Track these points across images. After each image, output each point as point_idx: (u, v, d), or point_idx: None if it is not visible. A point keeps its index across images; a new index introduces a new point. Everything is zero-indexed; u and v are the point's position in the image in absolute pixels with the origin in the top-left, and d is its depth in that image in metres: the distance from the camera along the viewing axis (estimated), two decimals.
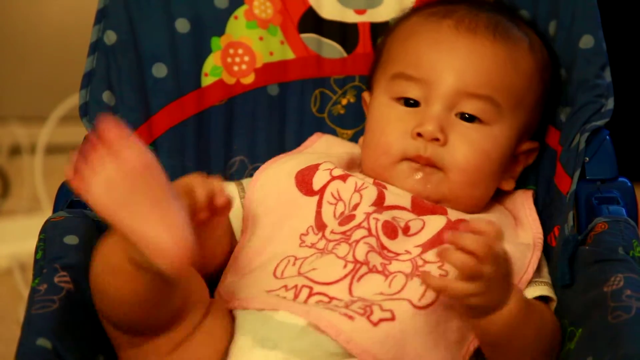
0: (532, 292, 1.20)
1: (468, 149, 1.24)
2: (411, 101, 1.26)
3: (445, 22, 1.26)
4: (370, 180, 1.25)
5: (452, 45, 1.25)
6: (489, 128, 1.25)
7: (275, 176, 1.28)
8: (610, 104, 1.27)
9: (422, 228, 1.21)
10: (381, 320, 1.12)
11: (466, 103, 1.24)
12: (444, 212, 1.23)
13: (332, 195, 1.24)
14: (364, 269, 1.16)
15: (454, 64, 1.24)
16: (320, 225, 1.23)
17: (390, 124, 1.26)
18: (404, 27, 1.31)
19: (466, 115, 1.25)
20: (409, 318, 1.13)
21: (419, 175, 1.24)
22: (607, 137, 1.26)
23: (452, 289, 1.05)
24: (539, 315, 1.14)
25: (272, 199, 1.26)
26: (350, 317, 1.11)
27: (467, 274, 1.04)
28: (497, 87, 1.25)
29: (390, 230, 1.20)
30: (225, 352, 1.12)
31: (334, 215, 1.23)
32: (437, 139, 1.23)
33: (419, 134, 1.23)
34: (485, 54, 1.25)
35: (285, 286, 1.16)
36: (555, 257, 1.22)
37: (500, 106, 1.25)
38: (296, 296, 1.15)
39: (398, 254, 1.19)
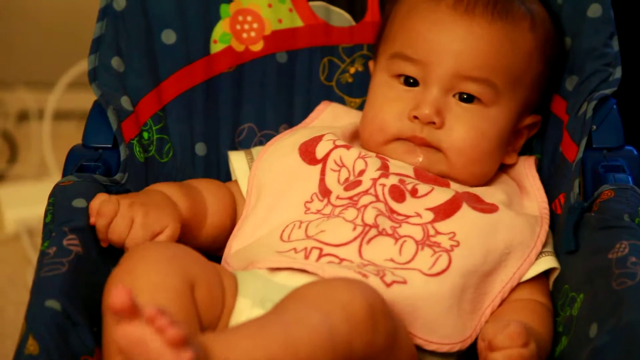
0: (538, 267, 1.21)
1: (465, 131, 1.24)
2: (411, 80, 1.26)
3: (444, 1, 1.26)
4: (373, 154, 1.26)
5: (450, 26, 1.25)
6: (487, 109, 1.25)
7: (280, 149, 1.29)
8: (617, 72, 1.27)
9: (431, 191, 1.22)
10: (394, 282, 1.13)
11: (463, 85, 1.25)
12: (447, 185, 1.24)
13: (335, 162, 1.25)
14: (373, 231, 1.17)
15: (451, 46, 1.24)
16: (325, 192, 1.23)
17: (388, 102, 1.27)
18: (406, 1, 1.30)
19: (464, 96, 1.25)
20: (421, 284, 1.14)
21: (417, 154, 1.25)
22: (615, 106, 1.26)
23: None
24: (546, 342, 1.16)
25: (275, 170, 1.27)
26: (365, 275, 1.12)
27: None
28: (495, 68, 1.25)
29: (398, 193, 1.21)
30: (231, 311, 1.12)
31: (338, 181, 1.24)
32: (434, 122, 1.23)
33: (416, 117, 1.23)
34: (483, 36, 1.24)
35: (295, 249, 1.17)
36: (561, 224, 1.23)
37: (497, 87, 1.25)
38: (307, 257, 1.16)
39: (408, 217, 1.20)
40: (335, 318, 0.98)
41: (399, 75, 1.27)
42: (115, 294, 0.89)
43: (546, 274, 1.22)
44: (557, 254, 1.22)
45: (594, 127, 1.25)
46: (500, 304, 1.19)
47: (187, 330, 0.91)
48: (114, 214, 1.14)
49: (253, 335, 0.96)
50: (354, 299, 1.00)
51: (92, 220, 1.14)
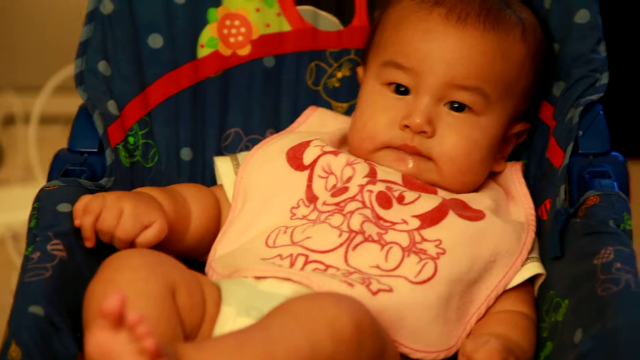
0: (523, 274, 1.21)
1: (457, 139, 1.25)
2: (402, 88, 1.26)
3: (436, 10, 1.26)
4: (361, 160, 1.26)
5: (442, 36, 1.25)
6: (478, 118, 1.26)
7: (267, 154, 1.29)
8: (604, 78, 1.28)
9: (418, 198, 1.22)
10: (380, 290, 1.13)
11: (455, 94, 1.25)
12: (434, 192, 1.24)
13: (323, 169, 1.25)
14: (359, 237, 1.18)
15: (443, 55, 1.25)
16: (311, 198, 1.24)
17: (378, 110, 1.27)
18: (396, 9, 1.31)
19: (455, 105, 1.25)
20: (407, 292, 1.14)
21: (407, 162, 1.25)
22: (601, 112, 1.27)
23: None
24: (528, 356, 1.17)
25: (262, 175, 1.27)
26: (350, 284, 1.12)
27: None
28: (486, 78, 1.25)
29: (385, 200, 1.21)
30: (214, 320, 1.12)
31: (326, 188, 1.24)
32: (425, 131, 1.23)
33: (407, 126, 1.24)
34: (475, 46, 1.25)
35: (280, 255, 1.17)
36: (547, 230, 1.23)
37: (489, 97, 1.25)
38: (292, 264, 1.16)
39: (394, 223, 1.20)
40: (320, 336, 0.98)
41: (390, 84, 1.27)
42: (112, 299, 0.89)
43: (531, 279, 1.22)
44: (543, 259, 1.23)
45: (580, 132, 1.25)
46: (486, 312, 1.19)
47: (162, 343, 0.91)
48: (100, 209, 1.14)
49: (231, 351, 0.96)
50: (341, 316, 1.00)
51: (77, 221, 1.14)
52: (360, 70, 1.35)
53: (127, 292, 1.00)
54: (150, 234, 1.16)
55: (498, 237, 1.21)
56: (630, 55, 2.19)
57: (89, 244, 1.14)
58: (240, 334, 0.99)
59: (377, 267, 1.16)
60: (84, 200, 1.15)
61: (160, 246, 1.17)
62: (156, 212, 1.18)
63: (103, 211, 1.15)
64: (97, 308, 1.00)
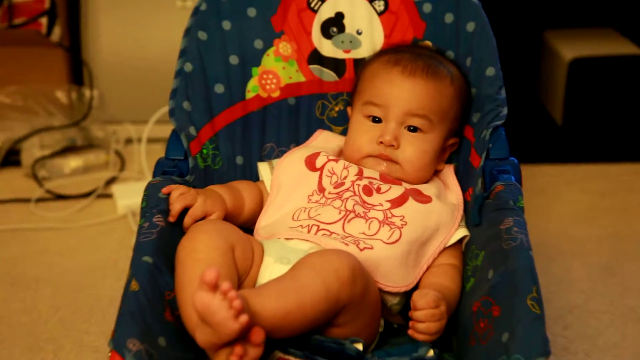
0: (456, 236, 1.21)
1: (414, 150, 1.24)
2: (376, 119, 1.26)
3: (395, 68, 1.25)
4: (353, 164, 1.26)
5: (400, 83, 1.24)
6: (426, 135, 1.25)
7: (292, 160, 1.29)
8: (505, 111, 1.28)
9: (389, 190, 1.22)
10: (365, 248, 1.14)
11: (411, 120, 1.24)
12: (399, 184, 1.24)
13: (329, 170, 1.25)
14: (351, 215, 1.18)
15: (402, 96, 1.24)
16: (321, 189, 1.24)
17: (362, 133, 1.26)
18: (371, 68, 1.29)
19: (411, 128, 1.25)
20: (382, 249, 1.15)
21: (382, 165, 1.25)
22: (503, 132, 1.27)
23: (433, 330, 1.07)
24: (455, 294, 1.16)
25: (289, 174, 1.27)
26: (346, 244, 1.14)
27: (435, 326, 1.07)
28: (430, 109, 1.24)
29: (368, 190, 1.22)
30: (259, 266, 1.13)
31: (330, 183, 1.24)
32: (392, 145, 1.24)
33: (381, 142, 1.24)
34: (422, 89, 1.24)
35: (301, 225, 1.18)
36: (470, 208, 1.23)
37: (432, 121, 1.25)
38: (309, 231, 1.17)
39: (374, 205, 1.20)
40: (330, 280, 0.99)
41: (369, 116, 1.27)
42: (209, 272, 0.90)
43: (460, 240, 1.22)
44: (468, 226, 1.23)
45: (490, 145, 1.25)
46: (433, 262, 1.19)
47: (244, 302, 0.92)
48: (185, 200, 1.15)
49: (277, 298, 0.97)
50: (343, 265, 1.01)
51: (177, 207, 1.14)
52: (349, 109, 1.34)
53: (202, 246, 1.04)
54: (212, 219, 1.17)
55: (440, 213, 1.21)
56: (519, 96, 2.22)
57: (172, 219, 1.14)
58: (281, 284, 1.00)
59: (363, 233, 1.16)
60: (177, 192, 1.16)
61: (225, 220, 1.18)
62: (218, 206, 1.18)
63: (187, 196, 1.15)
64: (183, 268, 1.03)
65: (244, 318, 0.90)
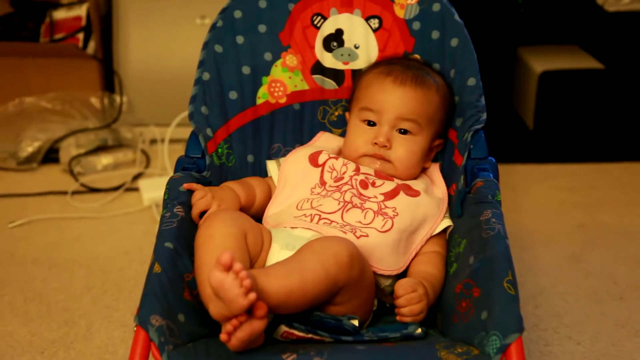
0: (441, 226, 1.20)
1: (404, 150, 1.23)
2: (371, 122, 1.25)
3: (387, 78, 1.24)
4: (351, 161, 1.25)
5: (392, 91, 1.23)
6: (415, 137, 1.24)
7: (297, 158, 1.28)
8: (484, 116, 1.26)
9: (383, 184, 1.21)
10: (361, 236, 1.13)
11: (401, 124, 1.23)
12: (392, 180, 1.23)
13: (329, 166, 1.24)
14: (349, 205, 1.17)
15: (394, 102, 1.23)
16: (323, 183, 1.23)
17: (359, 135, 1.25)
18: (366, 78, 1.28)
19: (402, 130, 1.24)
20: (376, 237, 1.14)
21: (376, 163, 1.24)
22: (482, 134, 1.26)
23: (416, 310, 1.07)
24: (439, 279, 1.15)
25: (295, 170, 1.26)
26: (344, 232, 1.13)
27: (417, 307, 1.08)
28: (419, 114, 1.23)
29: (364, 184, 1.21)
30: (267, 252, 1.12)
31: (331, 177, 1.23)
32: (385, 146, 1.23)
33: (376, 143, 1.23)
34: (411, 96, 1.23)
35: (304, 214, 1.17)
36: (453, 201, 1.23)
37: (421, 125, 1.24)
38: (312, 220, 1.16)
39: (369, 197, 1.19)
40: (329, 264, 0.99)
41: (365, 120, 1.26)
42: (224, 254, 0.90)
43: (445, 229, 1.21)
44: (451, 217, 1.22)
45: (471, 146, 1.24)
46: (421, 249, 1.18)
47: (253, 281, 0.92)
48: (204, 194, 1.14)
49: (281, 277, 0.97)
50: (341, 251, 1.01)
51: (194, 200, 1.14)
52: (347, 115, 1.33)
53: (219, 233, 1.04)
54: (227, 209, 1.15)
55: (427, 206, 1.20)
56: (496, 104, 2.21)
57: (195, 220, 1.13)
58: (286, 265, 1.00)
59: (359, 222, 1.15)
60: (197, 196, 1.14)
61: (240, 211, 1.17)
62: (231, 203, 1.17)
63: (204, 202, 1.14)
64: (201, 253, 1.02)
65: (252, 295, 0.90)
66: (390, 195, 1.19)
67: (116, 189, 1.94)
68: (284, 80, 1.36)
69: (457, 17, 1.31)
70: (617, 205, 1.86)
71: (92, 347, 1.35)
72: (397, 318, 1.08)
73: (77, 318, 1.43)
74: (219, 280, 0.91)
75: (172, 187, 1.16)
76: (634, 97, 2.17)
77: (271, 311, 0.96)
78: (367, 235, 1.13)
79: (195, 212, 1.13)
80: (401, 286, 1.08)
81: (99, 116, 2.14)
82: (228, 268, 0.90)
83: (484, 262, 1.03)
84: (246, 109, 1.34)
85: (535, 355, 1.32)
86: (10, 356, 1.33)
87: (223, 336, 0.92)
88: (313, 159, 1.25)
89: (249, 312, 0.92)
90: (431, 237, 1.19)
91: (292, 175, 1.25)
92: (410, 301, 1.07)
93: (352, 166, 1.23)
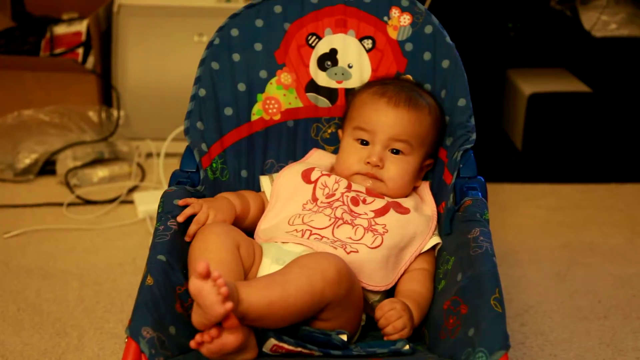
0: (430, 243, 1.19)
1: (396, 170, 1.23)
2: (364, 142, 1.25)
3: (382, 99, 1.24)
4: (343, 179, 1.25)
5: (386, 112, 1.24)
6: (407, 157, 1.24)
7: (290, 174, 1.27)
8: (474, 136, 1.27)
9: (373, 201, 1.21)
10: (351, 251, 1.13)
11: (394, 144, 1.23)
12: (382, 197, 1.23)
13: (322, 183, 1.24)
14: (340, 222, 1.17)
15: (387, 123, 1.23)
16: (314, 199, 1.22)
17: (352, 154, 1.25)
18: (360, 98, 1.28)
19: (394, 150, 1.24)
20: (366, 253, 1.14)
21: (368, 181, 1.24)
22: (472, 154, 1.26)
23: (399, 326, 1.07)
24: (426, 297, 1.14)
25: (287, 185, 1.25)
26: (335, 248, 1.12)
27: (399, 323, 1.08)
28: (411, 135, 1.23)
29: (355, 201, 1.21)
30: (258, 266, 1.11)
31: (323, 194, 1.23)
32: (378, 165, 1.23)
33: (369, 162, 1.23)
34: (404, 117, 1.23)
35: (296, 230, 1.17)
36: (442, 219, 1.22)
37: (412, 145, 1.24)
38: (302, 235, 1.15)
39: (360, 214, 1.19)
40: (315, 279, 0.99)
41: (358, 139, 1.26)
42: (200, 264, 0.90)
43: (434, 247, 1.21)
44: (440, 235, 1.22)
45: (461, 165, 1.24)
46: (410, 265, 1.18)
47: (229, 285, 0.91)
48: (203, 216, 1.14)
49: (262, 288, 0.96)
50: (329, 267, 1.00)
51: (187, 212, 1.13)
52: (340, 132, 1.33)
53: (213, 246, 1.03)
54: (220, 222, 1.15)
55: (416, 224, 1.20)
56: (486, 125, 2.22)
57: (187, 239, 1.12)
58: (269, 277, 1.00)
59: (350, 238, 1.15)
60: (190, 211, 1.13)
61: (233, 224, 1.17)
62: (227, 213, 1.17)
63: (200, 213, 1.13)
64: (194, 265, 1.01)
65: (229, 305, 0.90)
66: (381, 212, 1.19)
67: (111, 201, 1.93)
68: (278, 97, 1.36)
69: (448, 39, 1.32)
70: (602, 225, 1.87)
71: (84, 358, 1.34)
72: (385, 338, 1.08)
73: (69, 328, 1.42)
74: (197, 287, 0.91)
75: (166, 200, 1.16)
76: (620, 120, 2.19)
77: (255, 324, 0.96)
78: (357, 251, 1.13)
79: (192, 229, 1.12)
80: (379, 308, 1.08)
81: (96, 129, 2.14)
82: (205, 276, 0.90)
83: (471, 280, 1.03)
84: (241, 125, 1.34)
85: None
86: None
87: (192, 343, 0.92)
88: (306, 176, 1.25)
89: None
90: (420, 254, 1.19)
91: (284, 190, 1.24)
92: (389, 319, 1.07)
93: (344, 183, 1.23)
